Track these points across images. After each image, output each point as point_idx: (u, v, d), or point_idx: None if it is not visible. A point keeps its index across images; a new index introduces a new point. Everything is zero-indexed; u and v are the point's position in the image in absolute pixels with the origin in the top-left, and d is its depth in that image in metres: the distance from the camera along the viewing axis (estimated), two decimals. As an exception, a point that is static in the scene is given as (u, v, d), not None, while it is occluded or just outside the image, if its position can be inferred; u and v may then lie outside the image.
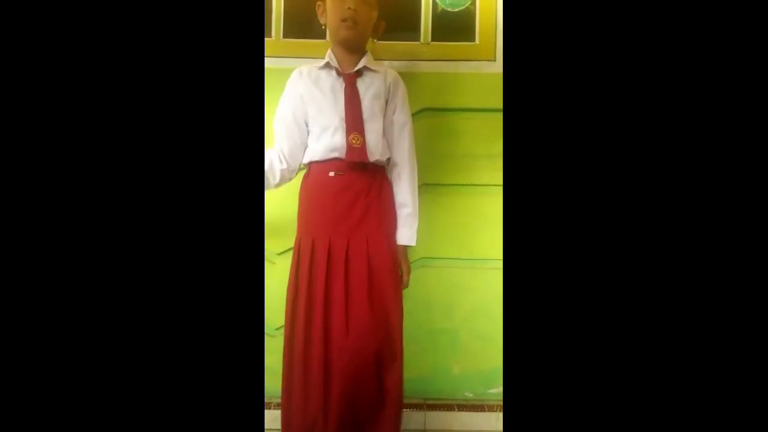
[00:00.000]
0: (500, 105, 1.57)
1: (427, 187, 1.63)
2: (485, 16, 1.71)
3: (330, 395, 1.28)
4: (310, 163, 1.40)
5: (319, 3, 1.43)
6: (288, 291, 1.37)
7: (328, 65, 1.40)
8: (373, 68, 1.42)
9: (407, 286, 1.42)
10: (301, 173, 1.45)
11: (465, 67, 1.71)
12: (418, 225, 1.42)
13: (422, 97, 1.68)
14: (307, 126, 1.40)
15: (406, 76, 1.52)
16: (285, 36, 1.71)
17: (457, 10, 1.72)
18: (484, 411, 1.70)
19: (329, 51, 1.41)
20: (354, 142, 1.33)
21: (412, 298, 1.43)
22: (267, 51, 1.63)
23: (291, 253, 1.42)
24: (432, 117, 1.71)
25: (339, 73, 1.39)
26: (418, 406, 1.68)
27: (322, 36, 1.65)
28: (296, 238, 1.40)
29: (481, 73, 1.70)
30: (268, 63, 1.56)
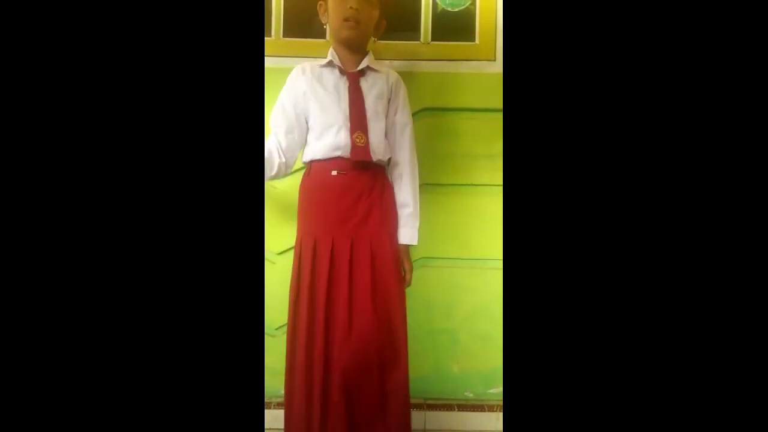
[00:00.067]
0: (500, 105, 1.58)
1: (427, 187, 1.63)
2: (485, 16, 1.71)
3: (332, 395, 1.27)
4: (311, 162, 1.39)
5: (320, 2, 1.42)
6: (290, 290, 1.36)
7: (330, 63, 1.39)
8: (375, 68, 1.41)
9: (410, 285, 1.42)
10: (301, 173, 1.45)
11: (465, 67, 1.71)
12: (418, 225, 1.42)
13: (422, 97, 1.68)
14: (307, 123, 1.39)
15: (406, 76, 1.52)
16: (285, 35, 1.71)
17: (457, 9, 1.72)
18: (484, 411, 1.70)
19: (331, 50, 1.41)
20: (358, 140, 1.32)
21: (412, 297, 1.43)
22: (267, 50, 1.62)
23: (291, 252, 1.41)
24: (432, 117, 1.71)
25: (342, 72, 1.38)
26: (418, 406, 1.68)
27: (322, 35, 1.65)
28: (297, 238, 1.39)
29: (481, 73, 1.70)
30: (268, 62, 1.55)
